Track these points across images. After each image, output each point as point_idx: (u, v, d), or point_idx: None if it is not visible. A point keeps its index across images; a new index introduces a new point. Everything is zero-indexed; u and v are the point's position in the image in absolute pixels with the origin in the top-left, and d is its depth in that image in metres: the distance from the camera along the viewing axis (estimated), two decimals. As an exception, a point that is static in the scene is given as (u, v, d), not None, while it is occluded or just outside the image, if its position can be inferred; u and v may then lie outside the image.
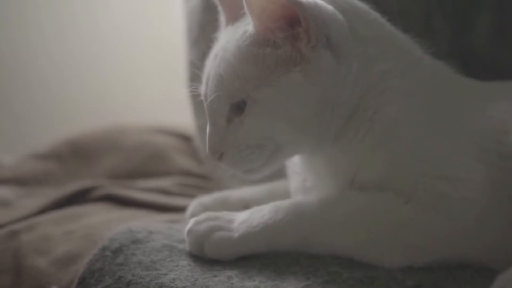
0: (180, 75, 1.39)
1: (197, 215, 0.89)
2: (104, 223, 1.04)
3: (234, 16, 0.87)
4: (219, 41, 0.88)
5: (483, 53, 1.17)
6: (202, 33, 1.26)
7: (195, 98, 0.94)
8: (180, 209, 1.12)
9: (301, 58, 0.79)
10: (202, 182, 1.39)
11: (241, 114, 0.82)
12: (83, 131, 1.58)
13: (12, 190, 1.37)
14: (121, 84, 1.97)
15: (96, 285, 0.84)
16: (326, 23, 0.79)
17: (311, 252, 0.83)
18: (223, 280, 0.79)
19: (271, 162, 0.84)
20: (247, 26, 0.82)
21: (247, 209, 0.87)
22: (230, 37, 0.84)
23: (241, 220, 0.84)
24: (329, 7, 0.81)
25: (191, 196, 1.11)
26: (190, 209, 1.02)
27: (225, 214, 0.87)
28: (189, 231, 0.86)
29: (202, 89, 0.87)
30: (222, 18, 0.91)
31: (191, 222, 0.86)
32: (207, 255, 0.84)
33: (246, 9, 0.79)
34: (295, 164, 0.92)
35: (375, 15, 0.87)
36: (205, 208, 0.99)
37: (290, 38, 0.80)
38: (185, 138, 1.54)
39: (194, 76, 0.90)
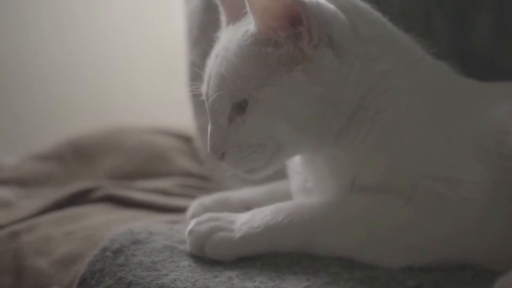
0: (180, 75, 1.39)
1: (198, 216, 0.90)
2: (105, 224, 1.04)
3: (235, 16, 0.87)
4: (220, 41, 0.88)
5: (483, 53, 1.17)
6: (203, 34, 1.26)
7: (196, 99, 0.94)
8: (181, 210, 1.12)
9: (303, 57, 0.79)
10: (202, 183, 1.38)
11: (243, 113, 0.82)
12: (84, 131, 1.58)
13: (13, 190, 1.37)
14: (121, 84, 1.97)
15: (97, 286, 0.84)
16: (328, 22, 0.79)
17: (311, 253, 0.83)
18: (223, 280, 0.80)
19: (273, 161, 0.84)
20: (248, 25, 0.82)
21: (247, 210, 0.87)
22: (232, 36, 0.84)
23: (243, 221, 0.84)
24: (331, 6, 0.81)
25: (192, 197, 1.11)
26: (190, 210, 1.02)
27: (227, 215, 0.87)
28: (190, 232, 0.86)
29: (204, 88, 0.87)
30: (223, 18, 0.91)
31: (192, 222, 0.86)
32: (208, 256, 0.84)
33: (248, 8, 0.79)
34: (296, 164, 0.93)
35: (377, 14, 0.87)
36: (206, 209, 0.99)
37: (292, 37, 0.80)
38: (186, 139, 1.54)
39: (195, 76, 0.90)
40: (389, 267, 0.80)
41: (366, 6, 0.87)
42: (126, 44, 1.96)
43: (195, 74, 0.90)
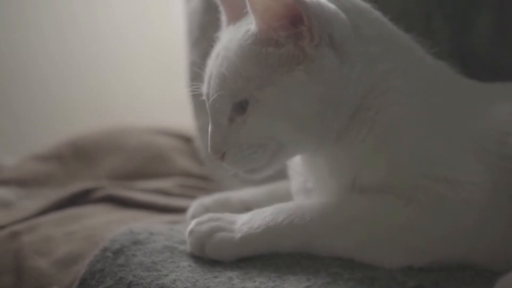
0: (181, 75, 1.39)
1: (198, 216, 0.90)
2: (105, 224, 1.04)
3: (236, 16, 0.87)
4: (221, 41, 0.88)
5: (483, 53, 1.17)
6: (203, 34, 1.26)
7: (196, 99, 0.94)
8: (181, 210, 1.12)
9: (304, 57, 0.79)
10: (202, 183, 1.39)
11: (244, 113, 0.82)
12: (84, 132, 1.58)
13: (13, 191, 1.37)
14: (121, 84, 1.97)
15: (97, 286, 0.85)
16: (329, 21, 0.79)
17: (312, 253, 0.83)
18: (224, 281, 0.80)
19: (274, 161, 0.84)
20: (249, 25, 0.82)
21: (248, 210, 0.87)
22: (232, 36, 0.84)
23: (243, 222, 0.84)
24: (332, 6, 0.81)
25: (192, 197, 1.11)
26: (190, 210, 1.02)
27: (227, 216, 0.87)
28: (191, 232, 0.86)
29: (204, 88, 0.87)
30: (223, 17, 0.91)
31: (193, 222, 0.86)
32: (208, 256, 0.84)
33: (248, 8, 0.79)
34: (296, 164, 0.93)
35: (378, 14, 0.87)
36: (206, 209, 0.99)
37: (293, 36, 0.80)
38: (186, 139, 1.54)
39: (195, 76, 0.90)
40: (389, 267, 0.80)
41: (366, 6, 0.87)
42: (126, 44, 1.96)
43: (196, 74, 0.90)
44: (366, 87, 0.83)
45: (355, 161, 0.84)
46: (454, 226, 0.79)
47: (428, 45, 0.89)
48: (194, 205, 1.03)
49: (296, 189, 0.94)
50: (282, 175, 0.96)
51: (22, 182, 1.41)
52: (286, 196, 0.95)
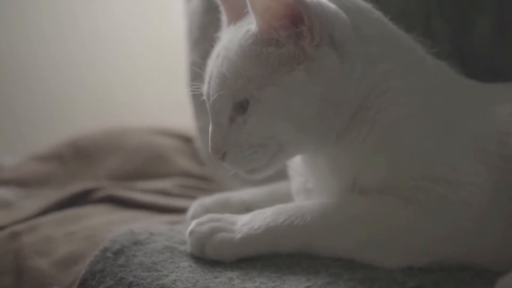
0: (181, 76, 1.39)
1: (198, 216, 0.90)
2: (105, 225, 1.04)
3: (236, 16, 0.87)
4: (221, 41, 0.88)
5: (483, 54, 1.16)
6: (203, 34, 1.26)
7: (196, 99, 0.94)
8: (181, 211, 1.12)
9: (304, 57, 0.79)
10: (203, 184, 1.39)
11: (244, 113, 0.82)
12: (84, 132, 1.58)
13: (13, 191, 1.37)
14: (121, 85, 1.97)
15: (98, 286, 0.85)
16: (329, 21, 0.79)
17: (312, 254, 0.83)
18: (224, 281, 0.80)
19: (274, 161, 0.84)
20: (250, 25, 0.82)
21: (248, 211, 0.87)
22: (233, 36, 0.84)
23: (243, 222, 0.84)
24: (332, 6, 0.81)
25: (192, 198, 1.11)
26: (191, 211, 1.03)
27: (227, 216, 0.87)
28: (191, 232, 0.86)
29: (205, 88, 0.86)
30: (223, 17, 0.91)
31: (193, 223, 0.86)
32: (208, 256, 0.85)
33: (249, 8, 0.79)
34: (296, 164, 0.93)
35: (378, 14, 0.87)
36: (206, 209, 0.99)
37: (294, 36, 0.80)
38: (186, 140, 1.54)
39: (196, 76, 0.90)
40: (390, 267, 0.80)
41: (367, 6, 0.87)
42: (126, 44, 1.96)
43: (196, 74, 0.90)
44: (367, 87, 0.83)
45: (355, 161, 0.84)
46: (454, 227, 0.79)
47: (428, 45, 0.89)
48: (194, 206, 1.03)
49: (296, 189, 0.94)
50: (282, 175, 0.96)
51: (22, 182, 1.42)
52: (286, 197, 0.95)
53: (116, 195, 1.24)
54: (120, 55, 1.96)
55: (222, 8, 0.91)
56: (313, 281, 0.78)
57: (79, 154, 1.48)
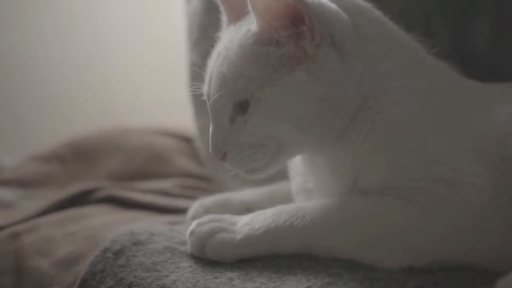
0: (181, 75, 1.39)
1: (199, 217, 0.90)
2: (106, 225, 1.04)
3: (236, 16, 0.87)
4: (221, 41, 0.88)
5: (483, 53, 1.16)
6: (203, 35, 1.26)
7: (196, 99, 0.94)
8: (181, 211, 1.12)
9: (305, 57, 0.79)
10: (203, 184, 1.39)
11: (244, 113, 0.82)
12: (84, 132, 1.58)
13: (14, 191, 1.37)
14: (122, 85, 1.97)
15: (98, 287, 0.85)
16: (330, 21, 0.79)
17: (312, 254, 0.83)
18: (224, 281, 0.80)
19: (274, 161, 0.84)
20: (250, 25, 0.82)
21: (248, 211, 0.87)
22: (233, 36, 0.84)
23: (244, 223, 0.84)
24: (333, 6, 0.81)
25: (192, 198, 1.11)
26: (191, 211, 1.03)
27: (228, 217, 0.87)
28: (192, 232, 0.86)
29: (205, 88, 0.86)
30: (224, 18, 0.91)
31: (194, 223, 0.86)
32: (208, 257, 0.85)
33: (249, 8, 0.79)
34: (296, 165, 0.93)
35: (378, 13, 0.87)
36: (207, 210, 1.00)
37: (294, 36, 0.80)
38: (186, 140, 1.54)
39: (196, 76, 0.90)
40: (390, 268, 0.80)
41: (367, 5, 0.87)
42: (126, 44, 1.96)
43: (196, 74, 0.90)
44: (367, 87, 0.83)
45: (355, 161, 0.84)
46: (454, 227, 0.78)
47: (428, 45, 0.89)
48: (194, 206, 1.03)
49: (296, 190, 0.94)
50: (282, 175, 0.96)
51: (23, 183, 1.42)
52: (286, 197, 0.95)
53: (116, 195, 1.24)
54: (120, 55, 1.96)
55: (222, 8, 0.91)
56: (313, 281, 0.78)
57: (79, 154, 1.48)
